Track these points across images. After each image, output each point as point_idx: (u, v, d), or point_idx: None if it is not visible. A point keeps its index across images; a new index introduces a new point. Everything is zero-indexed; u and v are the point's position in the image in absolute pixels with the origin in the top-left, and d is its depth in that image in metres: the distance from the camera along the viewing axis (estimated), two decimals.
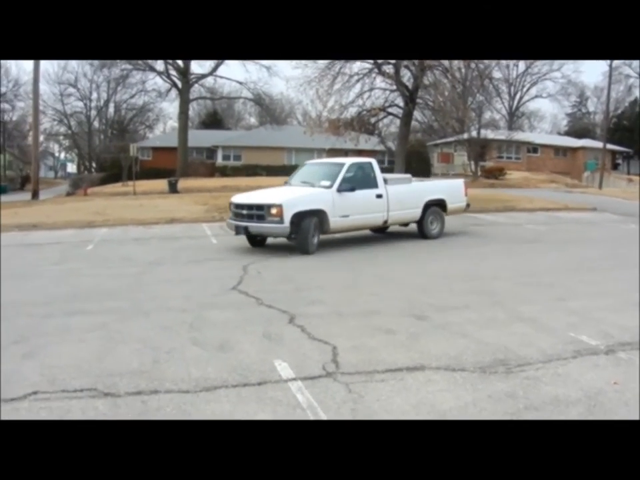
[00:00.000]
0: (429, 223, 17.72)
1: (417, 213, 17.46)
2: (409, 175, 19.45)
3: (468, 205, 19.34)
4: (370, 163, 16.97)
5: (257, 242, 16.20)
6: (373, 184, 16.40)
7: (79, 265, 13.67)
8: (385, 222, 17.00)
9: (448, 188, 19.06)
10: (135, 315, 8.96)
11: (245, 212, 15.21)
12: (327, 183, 15.58)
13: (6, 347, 7.40)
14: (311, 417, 5.35)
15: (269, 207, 14.63)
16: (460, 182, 19.73)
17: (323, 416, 5.36)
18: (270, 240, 16.41)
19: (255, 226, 15.01)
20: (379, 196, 16.36)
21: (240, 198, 16.16)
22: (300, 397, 5.82)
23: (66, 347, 7.49)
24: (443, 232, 18.22)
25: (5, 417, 5.37)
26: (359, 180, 16.09)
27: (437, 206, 17.94)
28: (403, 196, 17.10)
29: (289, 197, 15.10)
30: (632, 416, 5.35)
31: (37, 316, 8.92)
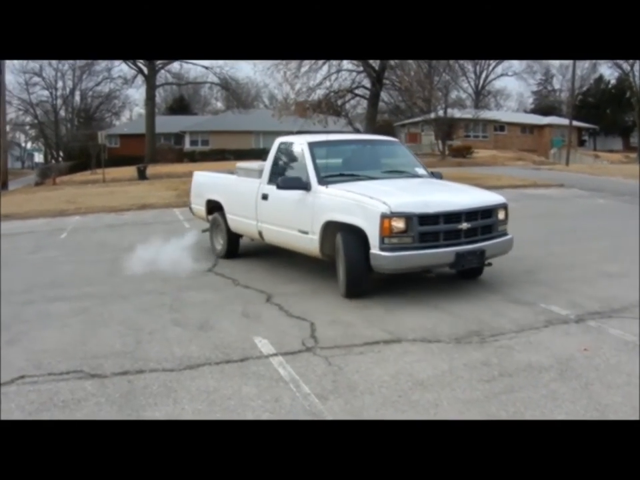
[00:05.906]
0: None
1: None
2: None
3: None
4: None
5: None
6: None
7: (54, 253, 13.67)
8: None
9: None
10: (115, 299, 9.05)
11: (461, 225, 8.42)
12: (422, 171, 10.42)
13: None
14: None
15: (496, 208, 9.11)
16: None
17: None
18: None
19: (486, 246, 8.73)
20: None
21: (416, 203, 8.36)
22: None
23: (49, 332, 7.59)
24: None
25: None
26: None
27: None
28: None
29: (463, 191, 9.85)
30: (601, 379, 5.59)
31: (16, 304, 8.96)
